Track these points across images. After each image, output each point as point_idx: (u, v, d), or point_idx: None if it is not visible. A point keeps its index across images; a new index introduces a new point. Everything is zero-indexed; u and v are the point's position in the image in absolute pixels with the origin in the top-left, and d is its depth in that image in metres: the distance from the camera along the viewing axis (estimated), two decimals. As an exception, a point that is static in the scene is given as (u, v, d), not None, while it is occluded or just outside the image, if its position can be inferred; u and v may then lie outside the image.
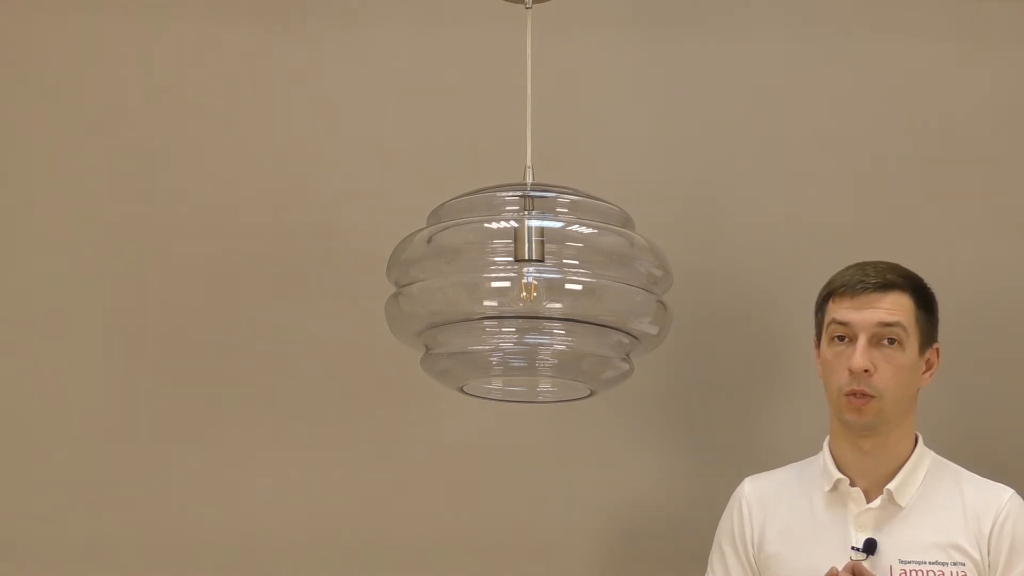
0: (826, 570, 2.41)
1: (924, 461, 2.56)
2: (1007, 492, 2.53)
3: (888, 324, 2.50)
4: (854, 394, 2.49)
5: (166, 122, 2.99)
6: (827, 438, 2.61)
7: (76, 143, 2.98)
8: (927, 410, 2.61)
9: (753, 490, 2.64)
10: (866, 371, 2.48)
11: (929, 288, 2.57)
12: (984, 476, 2.60)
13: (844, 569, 2.41)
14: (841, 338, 2.52)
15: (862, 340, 2.49)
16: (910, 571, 2.45)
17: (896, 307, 2.51)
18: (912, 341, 2.52)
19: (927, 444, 2.60)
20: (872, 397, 2.49)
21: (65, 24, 2.99)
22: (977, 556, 2.47)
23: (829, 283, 2.58)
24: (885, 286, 2.52)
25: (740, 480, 2.69)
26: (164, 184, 2.98)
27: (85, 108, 2.99)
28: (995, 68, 3.05)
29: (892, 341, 2.50)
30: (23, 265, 2.96)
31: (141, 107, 2.99)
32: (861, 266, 2.56)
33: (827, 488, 2.55)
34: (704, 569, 2.68)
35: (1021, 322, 3.00)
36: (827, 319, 2.55)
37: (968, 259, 2.99)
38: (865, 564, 2.45)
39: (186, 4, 3.01)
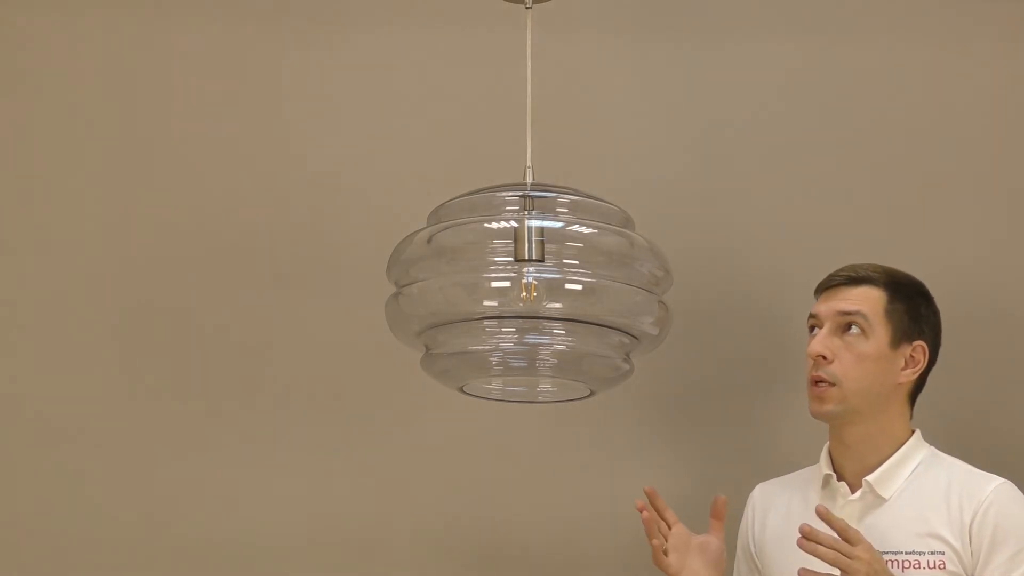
0: (810, 564, 2.40)
1: (916, 454, 2.54)
2: (994, 481, 2.49)
3: (847, 312, 2.52)
4: (815, 382, 2.52)
5: (166, 123, 2.99)
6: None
7: (76, 144, 2.98)
8: (928, 409, 2.62)
9: (759, 494, 2.67)
10: (824, 358, 2.51)
11: (916, 286, 2.57)
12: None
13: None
14: (812, 330, 2.57)
15: (824, 329, 2.53)
16: (887, 561, 2.43)
17: (860, 298, 2.53)
18: (879, 332, 2.52)
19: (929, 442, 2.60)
20: (832, 385, 2.51)
21: (65, 24, 2.99)
22: (958, 546, 2.44)
23: None
24: (855, 280, 2.55)
25: (740, 480, 2.71)
26: (163, 184, 2.98)
27: (85, 109, 2.99)
28: (995, 68, 3.05)
29: (853, 329, 2.51)
30: (21, 265, 2.96)
31: (141, 108, 2.99)
32: (845, 267, 2.59)
33: (820, 485, 2.57)
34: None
35: (1021, 322, 3.00)
36: None
37: (968, 258, 2.99)
38: None
39: (187, 5, 3.01)
